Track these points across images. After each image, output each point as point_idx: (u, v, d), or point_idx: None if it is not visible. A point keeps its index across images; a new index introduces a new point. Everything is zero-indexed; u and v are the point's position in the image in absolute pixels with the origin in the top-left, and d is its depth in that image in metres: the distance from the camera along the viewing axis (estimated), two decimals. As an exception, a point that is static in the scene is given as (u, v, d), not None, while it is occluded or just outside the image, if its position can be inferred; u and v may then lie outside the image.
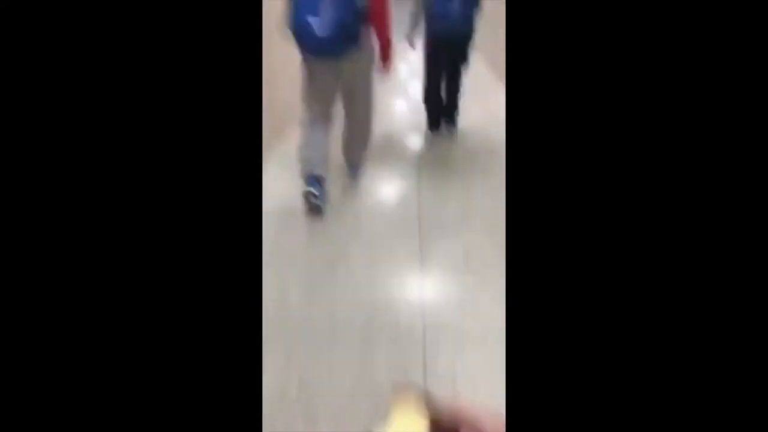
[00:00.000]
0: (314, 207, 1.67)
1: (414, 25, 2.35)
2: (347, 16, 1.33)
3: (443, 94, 2.62)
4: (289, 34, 1.40)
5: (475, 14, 2.24)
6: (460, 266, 1.62)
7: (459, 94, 2.63)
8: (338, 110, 1.80)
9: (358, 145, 1.86)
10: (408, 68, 4.71)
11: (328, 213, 1.80)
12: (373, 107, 1.75)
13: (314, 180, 1.67)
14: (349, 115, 1.77)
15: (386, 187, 2.10)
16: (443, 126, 2.75)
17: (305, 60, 1.51)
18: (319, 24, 1.32)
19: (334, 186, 1.95)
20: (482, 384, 1.23)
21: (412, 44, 2.49)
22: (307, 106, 1.64)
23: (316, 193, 1.66)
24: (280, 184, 2.11)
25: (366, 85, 1.65)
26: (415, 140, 2.78)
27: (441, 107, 2.67)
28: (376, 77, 1.68)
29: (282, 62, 2.51)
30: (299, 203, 1.78)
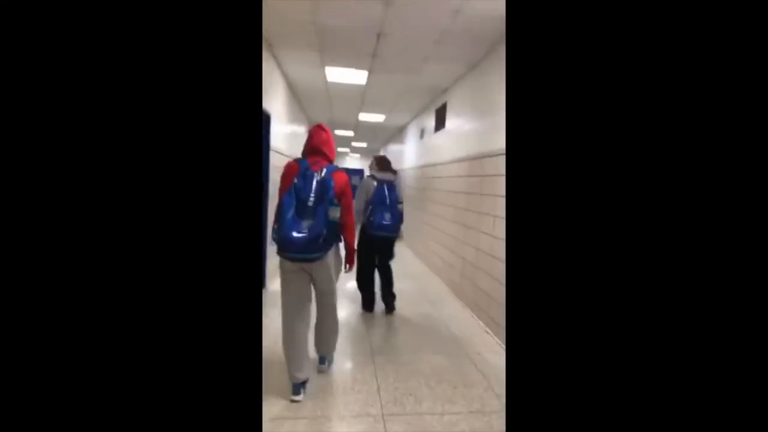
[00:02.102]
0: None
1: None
2: (325, 229, 1.70)
3: (378, 280, 3.15)
4: (273, 244, 1.79)
5: (400, 223, 2.96)
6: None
7: (391, 282, 3.15)
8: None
9: (330, 336, 2.09)
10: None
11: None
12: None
13: (300, 386, 1.88)
14: (322, 312, 2.01)
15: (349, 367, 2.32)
16: (384, 309, 3.18)
17: (283, 272, 1.85)
18: (300, 236, 1.68)
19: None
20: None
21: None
22: (285, 310, 1.88)
23: (300, 399, 1.87)
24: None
25: (333, 284, 1.92)
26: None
27: (373, 294, 3.16)
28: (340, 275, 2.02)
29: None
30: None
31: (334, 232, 1.78)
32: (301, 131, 6.40)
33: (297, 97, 5.30)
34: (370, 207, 2.89)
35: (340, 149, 13.76)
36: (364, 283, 3.15)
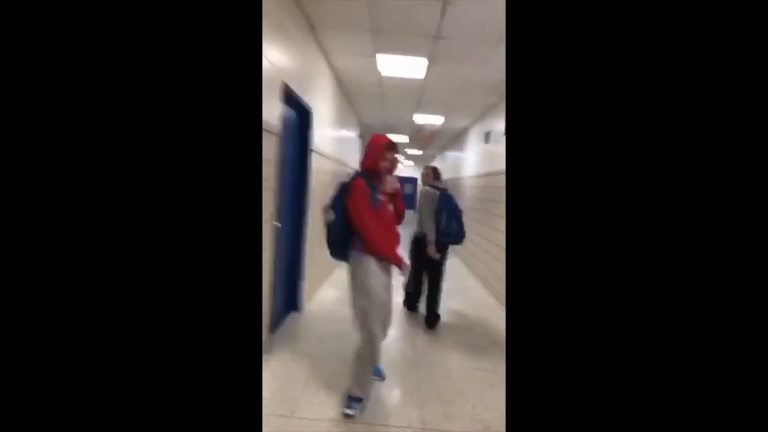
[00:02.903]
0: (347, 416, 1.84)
1: (431, 242, 2.94)
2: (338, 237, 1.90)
3: (425, 297, 3.10)
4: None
5: (464, 229, 3.00)
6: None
7: (437, 303, 3.08)
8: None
9: (354, 367, 1.91)
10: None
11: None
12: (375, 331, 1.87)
13: (355, 402, 1.85)
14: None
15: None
16: (426, 329, 3.05)
17: (373, 279, 1.88)
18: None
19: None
20: None
21: (435, 256, 3.03)
22: (373, 320, 1.85)
23: (352, 413, 1.82)
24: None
25: (361, 294, 1.85)
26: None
27: (418, 295, 3.17)
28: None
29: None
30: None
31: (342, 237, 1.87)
32: (351, 135, 5.95)
33: (347, 96, 4.83)
34: (444, 215, 2.89)
35: (393, 157, 13.31)
36: (412, 283, 3.16)
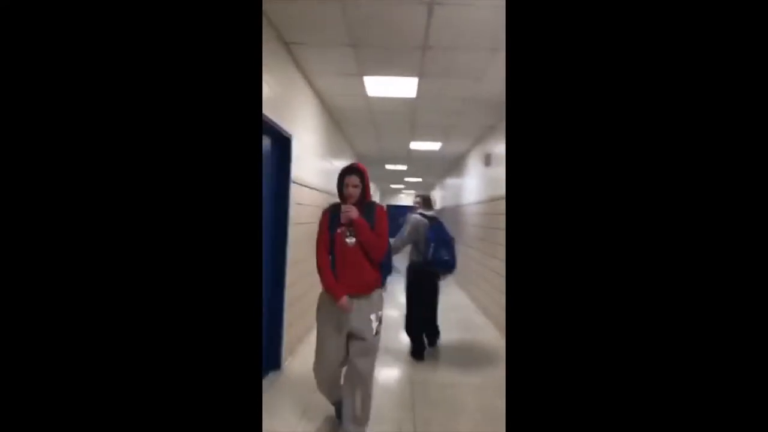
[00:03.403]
0: None
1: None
2: None
3: (425, 316, 3.05)
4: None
5: (455, 257, 2.94)
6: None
7: (437, 318, 3.13)
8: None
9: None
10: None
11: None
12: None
13: None
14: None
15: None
16: (428, 348, 3.08)
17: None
18: None
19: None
20: None
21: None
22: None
23: None
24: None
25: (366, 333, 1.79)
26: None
27: (422, 339, 3.06)
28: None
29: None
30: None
31: None
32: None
33: (337, 123, 4.56)
34: (432, 244, 2.86)
35: (392, 185, 13.07)
36: (414, 328, 3.06)
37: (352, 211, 1.72)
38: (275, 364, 2.64)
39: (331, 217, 1.80)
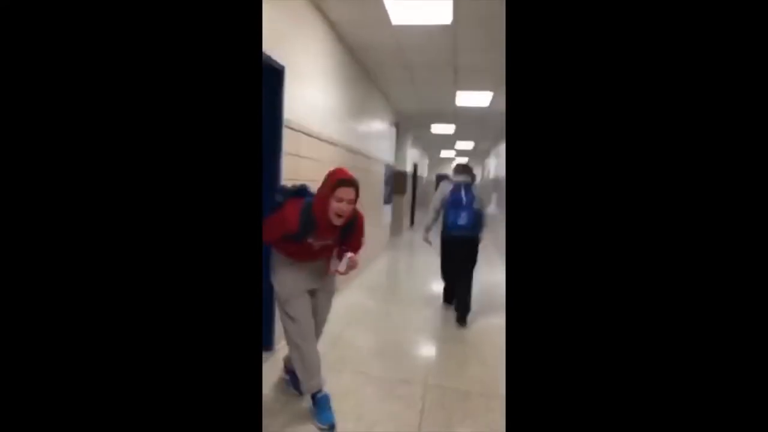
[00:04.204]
0: None
1: (428, 230, 3.16)
2: None
3: (457, 291, 3.05)
4: None
5: (480, 224, 2.99)
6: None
7: (469, 295, 2.99)
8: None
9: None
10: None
11: None
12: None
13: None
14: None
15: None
16: (456, 323, 3.01)
17: None
18: None
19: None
20: None
21: (428, 242, 3.17)
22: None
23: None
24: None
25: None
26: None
27: (453, 289, 3.14)
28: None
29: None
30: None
31: None
32: (381, 128, 5.01)
33: (364, 70, 3.90)
34: (449, 209, 2.97)
35: (442, 153, 12.14)
36: (445, 276, 3.26)
37: (353, 266, 1.62)
38: (267, 344, 2.25)
39: (303, 219, 1.48)
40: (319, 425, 1.62)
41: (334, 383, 1.98)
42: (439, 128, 7.20)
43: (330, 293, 1.80)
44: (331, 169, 1.55)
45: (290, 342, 1.67)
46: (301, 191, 1.61)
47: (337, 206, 1.45)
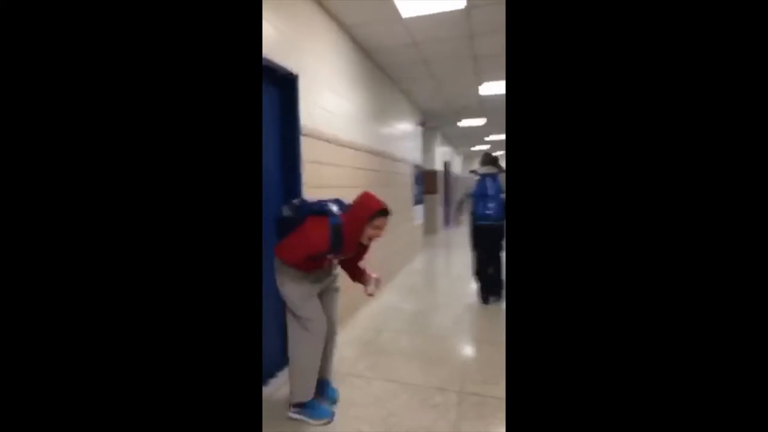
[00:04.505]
0: None
1: (455, 217, 4.65)
2: None
3: (489, 270, 3.30)
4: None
5: (496, 210, 3.16)
6: None
7: (499, 273, 3.27)
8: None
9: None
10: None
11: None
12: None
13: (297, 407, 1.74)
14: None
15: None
16: (490, 299, 3.32)
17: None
18: None
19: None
20: None
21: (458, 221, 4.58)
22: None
23: (296, 417, 1.72)
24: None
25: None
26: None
27: (488, 282, 3.32)
28: None
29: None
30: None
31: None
32: (407, 128, 4.93)
33: (382, 68, 3.85)
34: (474, 199, 3.19)
35: (475, 147, 11.82)
36: (478, 271, 3.35)
37: (380, 284, 1.82)
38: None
39: (332, 240, 1.53)
40: (321, 420, 1.67)
41: (363, 391, 1.93)
42: (468, 122, 6.99)
43: (336, 291, 1.81)
44: (363, 194, 1.61)
45: (298, 353, 1.65)
46: (321, 209, 1.59)
47: (373, 233, 1.58)
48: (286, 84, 2.13)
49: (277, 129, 2.12)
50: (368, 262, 1.85)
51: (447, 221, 9.43)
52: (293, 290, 1.62)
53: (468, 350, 2.47)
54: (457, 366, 2.21)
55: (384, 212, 1.57)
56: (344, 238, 1.54)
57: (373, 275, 1.80)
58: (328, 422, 1.68)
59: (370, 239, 1.61)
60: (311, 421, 1.68)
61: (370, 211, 1.55)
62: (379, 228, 1.59)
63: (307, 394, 1.68)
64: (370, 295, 1.79)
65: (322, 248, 1.52)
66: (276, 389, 1.94)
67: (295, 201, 1.69)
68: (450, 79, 4.25)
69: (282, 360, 2.09)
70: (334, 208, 1.59)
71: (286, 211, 1.64)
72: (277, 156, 2.13)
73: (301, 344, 1.64)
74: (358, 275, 1.83)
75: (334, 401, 1.82)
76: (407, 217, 5.10)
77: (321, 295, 1.73)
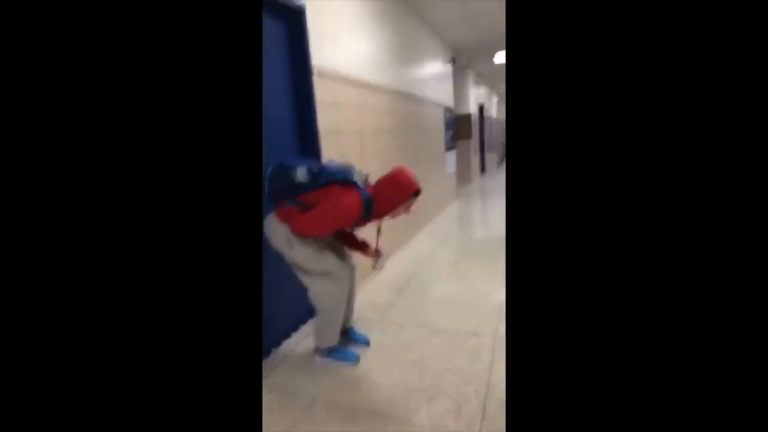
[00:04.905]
0: None
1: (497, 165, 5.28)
2: None
3: None
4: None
5: None
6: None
7: None
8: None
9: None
10: None
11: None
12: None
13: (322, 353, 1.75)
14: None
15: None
16: None
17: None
18: None
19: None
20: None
21: None
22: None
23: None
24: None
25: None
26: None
27: None
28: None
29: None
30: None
31: None
32: (436, 68, 4.55)
33: (402, 0, 3.49)
34: None
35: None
36: None
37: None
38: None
39: (364, 212, 1.46)
40: (348, 362, 1.69)
41: (395, 336, 1.90)
42: (504, 58, 6.39)
43: (353, 268, 1.74)
44: (398, 172, 1.51)
45: (324, 302, 1.60)
46: (346, 179, 1.47)
47: (402, 209, 1.54)
48: (293, 17, 1.95)
49: (285, 70, 1.97)
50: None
51: (483, 168, 9.03)
52: (303, 250, 1.51)
53: (502, 295, 2.37)
54: (492, 311, 2.12)
55: (418, 193, 1.52)
56: (375, 211, 1.49)
57: (383, 251, 1.77)
58: (354, 365, 1.68)
59: (394, 217, 1.57)
60: (340, 363, 1.69)
61: (407, 194, 1.49)
62: (409, 206, 1.55)
63: (334, 339, 1.68)
64: (377, 269, 1.78)
65: (354, 219, 1.45)
66: (296, 344, 1.95)
67: (311, 167, 1.51)
68: (481, 7, 3.79)
69: (295, 321, 2.11)
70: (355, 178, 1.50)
71: (300, 176, 1.47)
72: (287, 100, 2.00)
73: (325, 294, 1.59)
74: (356, 244, 1.75)
75: (366, 343, 1.81)
76: (439, 164, 4.88)
77: (329, 246, 1.68)
